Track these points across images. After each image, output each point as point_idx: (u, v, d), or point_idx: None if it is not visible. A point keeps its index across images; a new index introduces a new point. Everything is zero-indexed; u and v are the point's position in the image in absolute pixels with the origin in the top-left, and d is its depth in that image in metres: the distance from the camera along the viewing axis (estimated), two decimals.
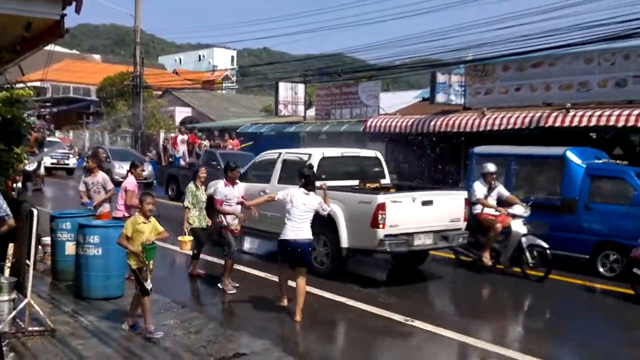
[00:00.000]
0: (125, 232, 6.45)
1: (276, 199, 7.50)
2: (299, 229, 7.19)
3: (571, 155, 10.96)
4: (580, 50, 16.19)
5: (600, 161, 11.24)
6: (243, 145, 21.95)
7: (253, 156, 19.24)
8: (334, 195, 8.45)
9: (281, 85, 25.74)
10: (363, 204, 8.86)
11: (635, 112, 14.20)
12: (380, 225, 8.57)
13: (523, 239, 10.03)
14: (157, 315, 7.28)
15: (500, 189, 10.63)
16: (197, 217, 9.18)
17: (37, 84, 54.71)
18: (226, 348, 6.19)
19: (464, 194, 9.97)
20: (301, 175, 7.56)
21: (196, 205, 9.18)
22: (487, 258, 10.27)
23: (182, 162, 21.26)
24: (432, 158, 21.53)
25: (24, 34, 6.13)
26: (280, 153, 10.94)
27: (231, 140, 21.62)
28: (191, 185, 9.24)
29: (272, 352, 6.16)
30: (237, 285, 8.71)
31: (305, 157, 10.14)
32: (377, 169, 10.98)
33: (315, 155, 10.20)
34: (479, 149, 12.65)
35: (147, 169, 21.27)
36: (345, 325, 7.58)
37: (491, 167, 10.58)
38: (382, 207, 8.59)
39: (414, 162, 21.34)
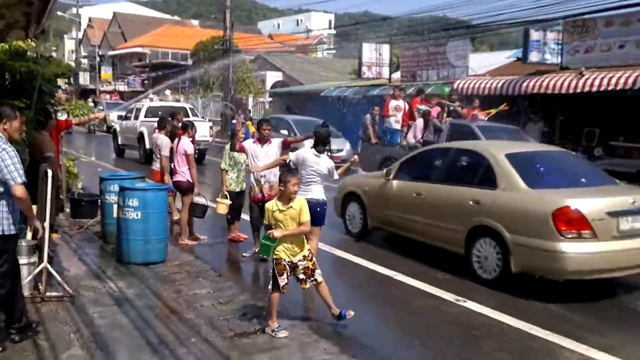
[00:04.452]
0: (264, 221, 5.72)
1: (288, 160, 7.33)
2: (304, 191, 6.87)
3: None
4: None
5: None
6: (493, 113, 15.22)
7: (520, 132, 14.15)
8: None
9: (365, 46, 24.60)
10: None
11: None
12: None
13: None
14: (192, 282, 6.99)
15: None
16: (233, 180, 8.81)
17: (138, 49, 57.20)
18: (249, 323, 5.74)
19: (209, 123, 20.03)
20: (314, 134, 7.36)
21: (234, 167, 8.82)
22: None
23: (410, 139, 14.59)
24: (523, 121, 20.03)
25: None
26: (148, 101, 22.36)
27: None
28: (227, 147, 8.87)
29: (298, 330, 5.65)
30: None
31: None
32: (185, 112, 18.47)
33: (145, 104, 20.33)
34: None
35: (345, 148, 17.87)
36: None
37: None
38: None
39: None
